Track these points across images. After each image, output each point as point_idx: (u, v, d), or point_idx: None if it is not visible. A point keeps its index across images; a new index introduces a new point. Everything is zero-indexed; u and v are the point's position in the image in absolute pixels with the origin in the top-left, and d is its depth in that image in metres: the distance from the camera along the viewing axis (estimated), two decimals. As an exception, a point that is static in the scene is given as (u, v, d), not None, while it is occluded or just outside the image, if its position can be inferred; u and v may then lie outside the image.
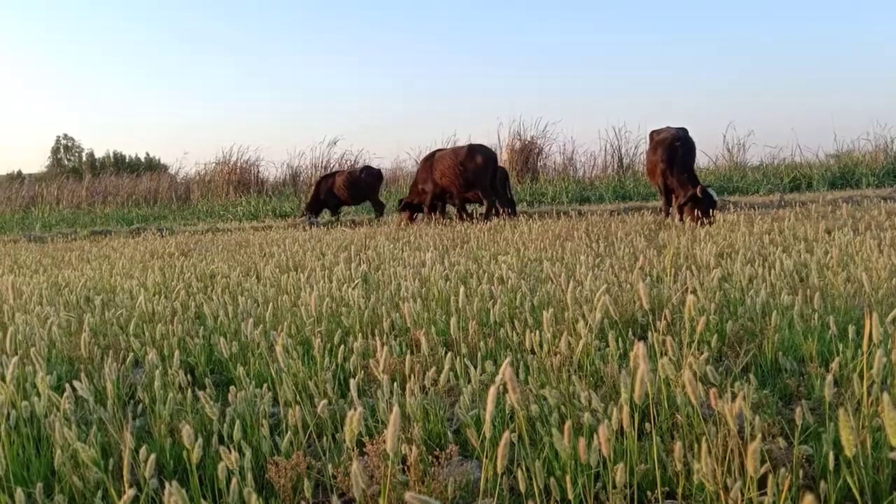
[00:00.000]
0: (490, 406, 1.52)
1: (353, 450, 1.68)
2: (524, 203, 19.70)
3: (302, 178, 28.29)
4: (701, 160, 22.10)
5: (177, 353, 2.75)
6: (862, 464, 1.98)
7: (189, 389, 2.70)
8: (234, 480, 1.70)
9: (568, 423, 1.65)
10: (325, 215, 17.73)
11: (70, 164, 54.78)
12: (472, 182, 13.38)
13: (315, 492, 2.24)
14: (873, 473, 2.05)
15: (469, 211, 14.72)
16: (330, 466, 2.11)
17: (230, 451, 1.84)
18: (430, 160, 14.20)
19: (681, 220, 9.99)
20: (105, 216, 25.25)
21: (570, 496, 1.71)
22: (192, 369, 3.57)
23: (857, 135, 23.97)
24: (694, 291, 3.72)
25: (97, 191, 31.11)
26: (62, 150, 57.66)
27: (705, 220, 9.38)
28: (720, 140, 24.91)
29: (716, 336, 3.07)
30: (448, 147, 14.56)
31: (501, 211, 13.15)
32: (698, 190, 9.87)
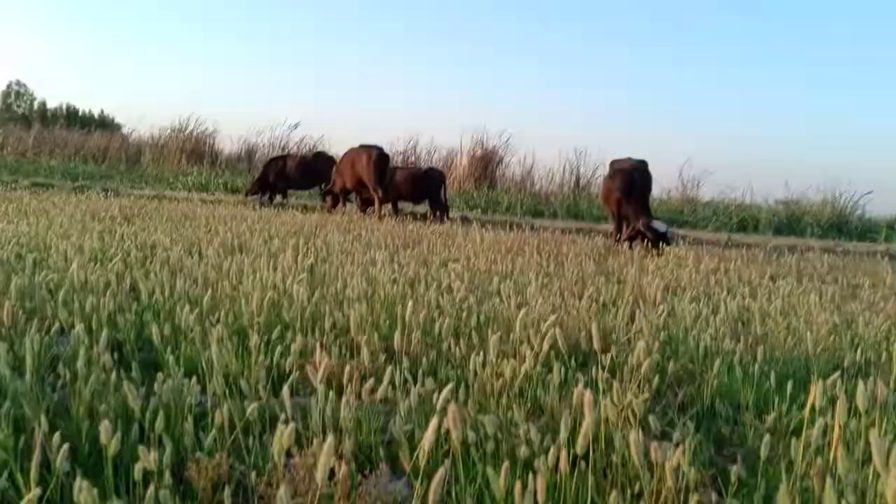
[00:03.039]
0: (430, 436, 1.46)
1: (280, 461, 1.60)
2: (478, 210, 19.72)
3: (258, 155, 27.84)
4: (654, 190, 22.36)
5: (105, 331, 2.62)
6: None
7: (114, 371, 2.58)
8: (150, 487, 1.60)
9: (505, 465, 1.59)
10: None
11: (20, 110, 53.16)
12: (362, 179, 14.38)
13: (236, 491, 2.15)
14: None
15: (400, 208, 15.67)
16: (254, 474, 2.01)
17: (149, 450, 1.74)
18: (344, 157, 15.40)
19: (630, 248, 10.07)
20: (50, 168, 24.48)
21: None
22: (121, 346, 3.43)
23: (806, 185, 24.53)
24: (640, 331, 3.71)
25: (45, 141, 30.16)
26: (13, 96, 55.94)
27: (654, 252, 9.47)
28: (675, 173, 25.18)
29: (657, 376, 3.06)
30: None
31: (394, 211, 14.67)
32: (641, 224, 9.97)
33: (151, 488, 1.61)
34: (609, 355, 2.78)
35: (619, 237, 10.84)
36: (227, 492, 1.77)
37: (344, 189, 15.17)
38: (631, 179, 10.64)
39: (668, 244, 10.14)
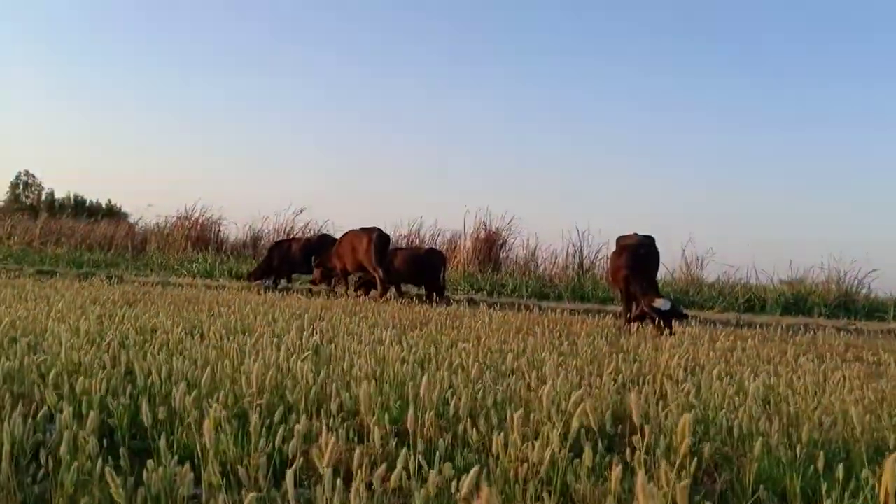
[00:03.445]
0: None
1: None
2: (484, 292, 19.53)
3: (263, 242, 27.84)
4: (659, 270, 22.08)
5: (93, 413, 2.40)
6: None
7: (100, 458, 2.34)
8: None
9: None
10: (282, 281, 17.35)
11: (28, 201, 53.80)
12: (362, 261, 14.43)
13: None
14: None
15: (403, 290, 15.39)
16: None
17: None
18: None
19: (640, 328, 9.78)
20: (55, 257, 24.46)
21: None
22: (112, 432, 3.19)
23: (810, 263, 24.31)
24: (668, 410, 3.46)
25: (51, 230, 30.29)
26: (21, 187, 56.71)
27: (665, 332, 9.18)
28: (679, 253, 24.96)
29: (695, 460, 2.81)
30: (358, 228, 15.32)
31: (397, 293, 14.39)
32: (644, 304, 9.70)
33: None
34: (643, 436, 2.54)
35: (629, 317, 10.58)
36: None
37: (344, 271, 15.13)
38: (638, 256, 10.46)
39: (681, 319, 9.86)
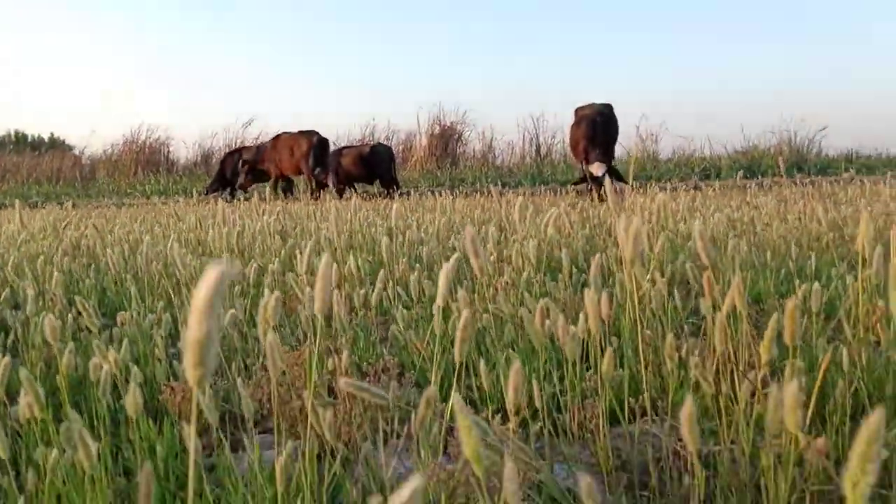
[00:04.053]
0: (445, 276, 1.19)
1: (268, 339, 1.34)
2: (444, 187, 19.49)
3: (214, 159, 27.29)
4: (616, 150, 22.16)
5: (57, 274, 2.32)
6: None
7: (69, 314, 2.28)
8: (104, 368, 1.32)
9: (542, 303, 1.35)
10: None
11: (-34, 142, 51.82)
12: (299, 166, 14.17)
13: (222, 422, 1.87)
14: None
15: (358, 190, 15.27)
16: (239, 381, 1.72)
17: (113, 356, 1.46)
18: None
19: (600, 200, 9.82)
20: (2, 193, 23.78)
21: (537, 404, 1.40)
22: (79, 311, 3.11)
23: (761, 129, 24.74)
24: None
25: (-5, 169, 29.35)
26: (-45, 127, 54.45)
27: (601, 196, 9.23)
28: (633, 130, 25.01)
29: (668, 269, 2.84)
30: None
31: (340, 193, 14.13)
32: (585, 168, 9.77)
33: (105, 371, 1.33)
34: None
35: (575, 183, 10.63)
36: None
37: (281, 176, 14.82)
38: (595, 124, 10.40)
39: (620, 181, 9.87)
